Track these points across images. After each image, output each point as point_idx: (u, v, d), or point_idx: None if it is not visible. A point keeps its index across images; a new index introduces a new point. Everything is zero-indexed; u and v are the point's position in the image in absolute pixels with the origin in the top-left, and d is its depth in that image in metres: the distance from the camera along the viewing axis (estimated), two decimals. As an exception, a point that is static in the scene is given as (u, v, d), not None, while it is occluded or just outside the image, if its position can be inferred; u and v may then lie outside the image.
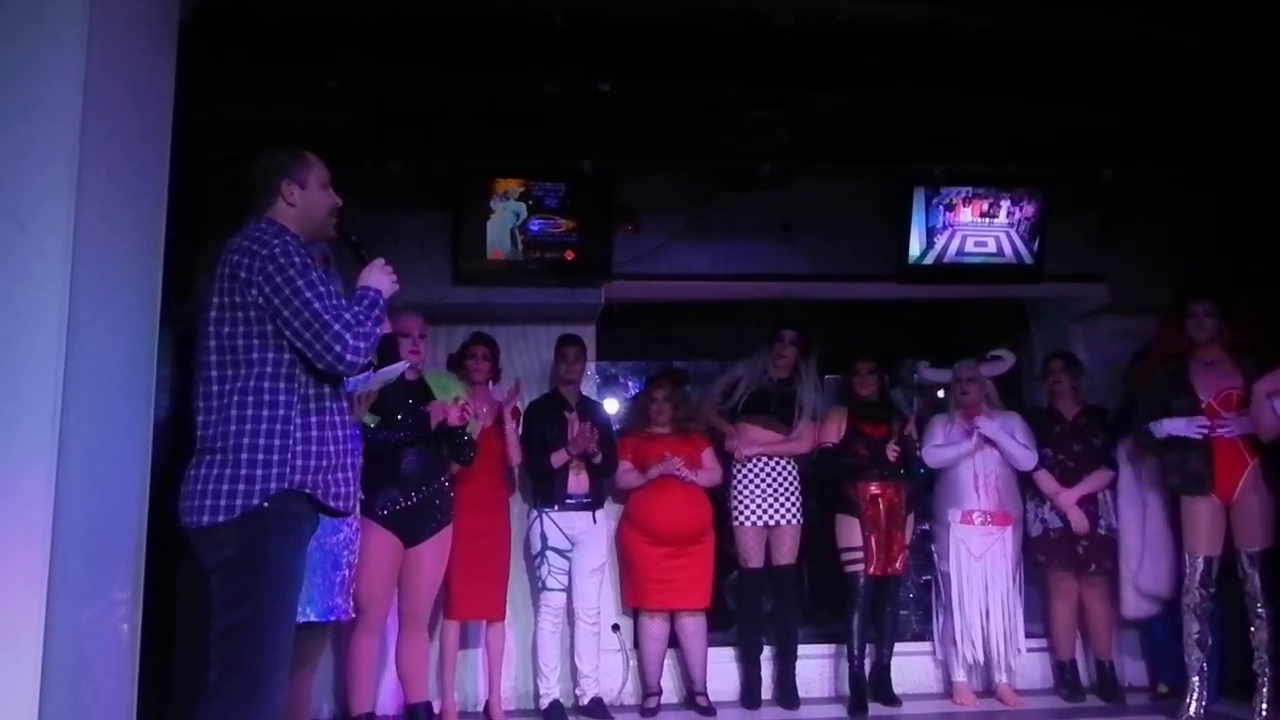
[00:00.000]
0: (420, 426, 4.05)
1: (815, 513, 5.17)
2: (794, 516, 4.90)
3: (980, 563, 4.85)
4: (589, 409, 4.78)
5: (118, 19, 2.47)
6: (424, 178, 4.82)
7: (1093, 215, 5.38)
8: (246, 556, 2.44)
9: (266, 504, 2.45)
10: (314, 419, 2.55)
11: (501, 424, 4.54)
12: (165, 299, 2.77)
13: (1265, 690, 4.25)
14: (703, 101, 4.48)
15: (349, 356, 2.52)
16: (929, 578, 5.28)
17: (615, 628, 4.99)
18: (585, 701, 4.66)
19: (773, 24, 3.80)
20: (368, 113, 4.52)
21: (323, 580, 3.43)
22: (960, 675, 4.93)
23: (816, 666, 5.06)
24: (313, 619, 3.39)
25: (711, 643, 4.89)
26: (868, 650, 4.84)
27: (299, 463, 2.50)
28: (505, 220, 4.87)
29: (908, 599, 5.45)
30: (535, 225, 4.89)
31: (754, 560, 4.90)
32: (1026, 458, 4.92)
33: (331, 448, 2.58)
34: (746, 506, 4.88)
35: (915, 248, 5.15)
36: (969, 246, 5.20)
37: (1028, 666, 5.05)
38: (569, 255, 4.93)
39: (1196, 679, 4.38)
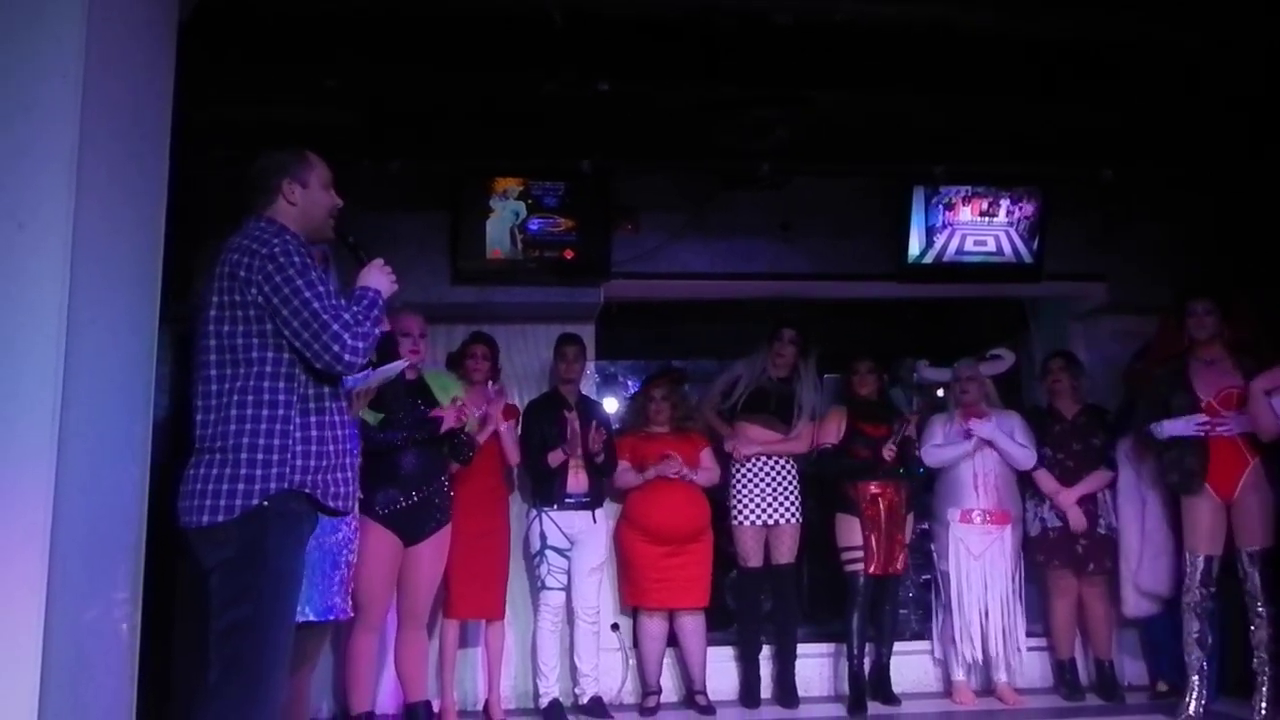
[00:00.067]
0: (422, 428, 4.05)
1: (815, 512, 5.18)
2: (793, 516, 4.90)
3: (979, 562, 4.85)
4: (588, 408, 4.78)
5: (117, 19, 2.47)
6: (423, 177, 4.82)
7: (1093, 215, 5.37)
8: (246, 556, 2.44)
9: (266, 503, 2.45)
10: (313, 419, 2.55)
11: (496, 423, 4.53)
12: (165, 298, 2.77)
13: (1265, 689, 4.25)
14: (702, 101, 4.47)
15: (347, 356, 2.52)
16: (928, 577, 5.28)
17: (615, 627, 4.99)
18: (585, 701, 4.66)
19: (772, 23, 3.80)
20: (367, 112, 4.51)
21: (321, 579, 3.43)
22: (959, 674, 4.94)
23: (816, 665, 5.07)
24: (311, 618, 3.39)
25: (711, 642, 4.89)
26: (867, 649, 4.85)
27: (298, 463, 2.50)
28: (504, 219, 4.87)
29: (907, 598, 5.45)
30: (534, 224, 4.89)
31: (753, 559, 4.91)
32: (1025, 457, 4.92)
33: (331, 447, 2.58)
34: (745, 506, 4.88)
35: (915, 247, 5.15)
36: (968, 245, 5.20)
37: (1027, 665, 5.05)
38: (568, 254, 4.93)
39: (1196, 678, 4.38)
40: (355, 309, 2.60)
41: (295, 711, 3.38)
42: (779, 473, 4.92)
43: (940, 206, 5.16)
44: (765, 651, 4.93)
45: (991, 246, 5.22)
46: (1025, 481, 5.00)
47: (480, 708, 4.74)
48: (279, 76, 4.09)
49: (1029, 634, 5.00)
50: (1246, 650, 4.34)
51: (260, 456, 2.47)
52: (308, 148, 2.75)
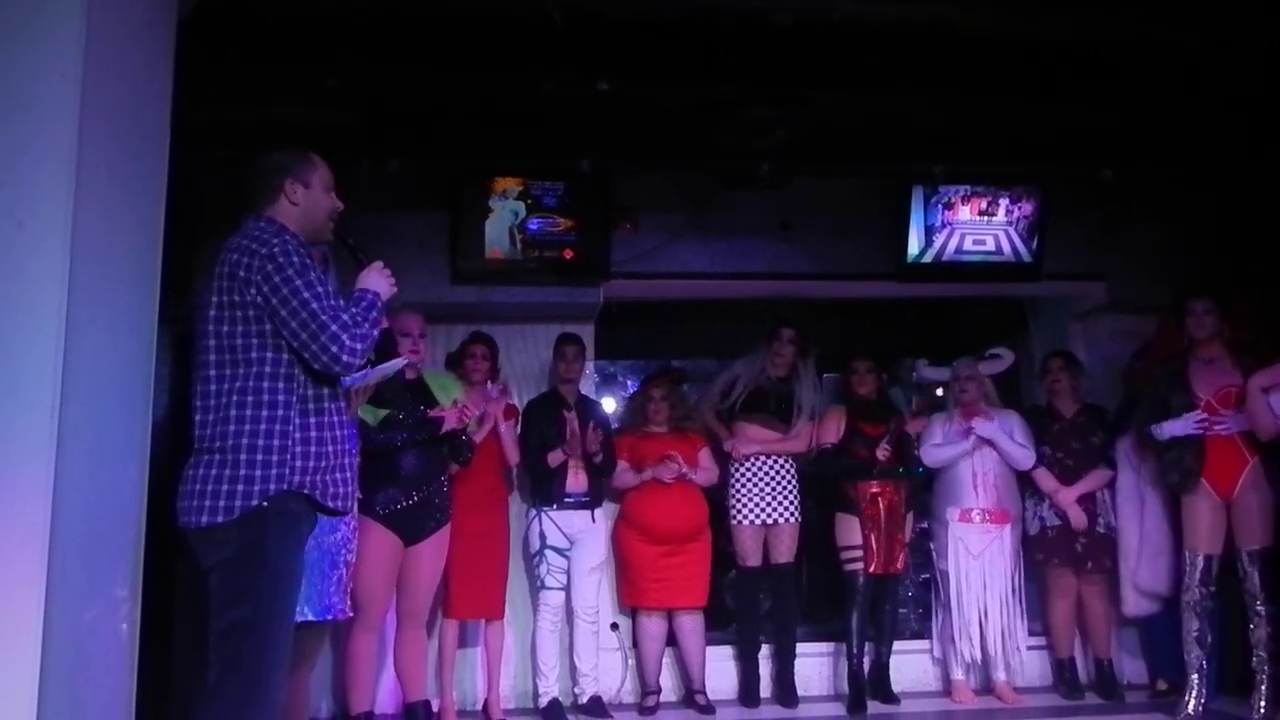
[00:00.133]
0: (422, 429, 4.05)
1: (814, 511, 5.18)
2: (792, 515, 4.90)
3: (979, 561, 4.85)
4: (588, 408, 4.77)
5: (116, 18, 2.46)
6: (422, 177, 4.82)
7: (1092, 215, 5.37)
8: (245, 556, 2.44)
9: (265, 504, 2.45)
10: (313, 419, 2.55)
11: (496, 424, 4.53)
12: (164, 298, 2.77)
13: (1264, 688, 4.26)
14: (701, 101, 4.47)
15: (345, 357, 2.52)
16: (928, 576, 5.29)
17: (614, 626, 4.99)
18: (584, 700, 4.66)
19: (771, 23, 3.80)
20: (366, 112, 4.51)
21: (320, 579, 3.43)
22: (959, 673, 4.93)
23: (815, 665, 5.07)
24: (310, 618, 3.39)
25: (710, 641, 4.89)
26: (867, 648, 4.85)
27: (298, 463, 2.50)
28: (504, 219, 4.87)
29: (906, 597, 5.46)
30: (534, 224, 4.89)
31: (752, 559, 4.91)
32: (1025, 457, 4.92)
33: (330, 448, 2.58)
34: (745, 505, 4.88)
35: (914, 246, 5.15)
36: (968, 245, 5.20)
37: (1027, 664, 5.05)
38: (568, 254, 4.93)
39: (1195, 676, 4.39)
40: (354, 310, 2.60)
41: (295, 711, 3.38)
42: (778, 472, 4.92)
43: (939, 206, 5.16)
44: (764, 651, 4.93)
45: (991, 246, 5.22)
46: (1024, 481, 5.01)
47: (480, 707, 4.74)
48: (278, 76, 4.09)
49: (1028, 633, 5.01)
50: (1246, 649, 4.34)
51: (260, 457, 2.47)
52: (307, 148, 2.75)
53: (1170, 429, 4.44)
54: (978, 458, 4.91)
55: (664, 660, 4.86)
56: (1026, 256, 5.26)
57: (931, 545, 5.10)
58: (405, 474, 4.06)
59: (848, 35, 3.95)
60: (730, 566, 5.11)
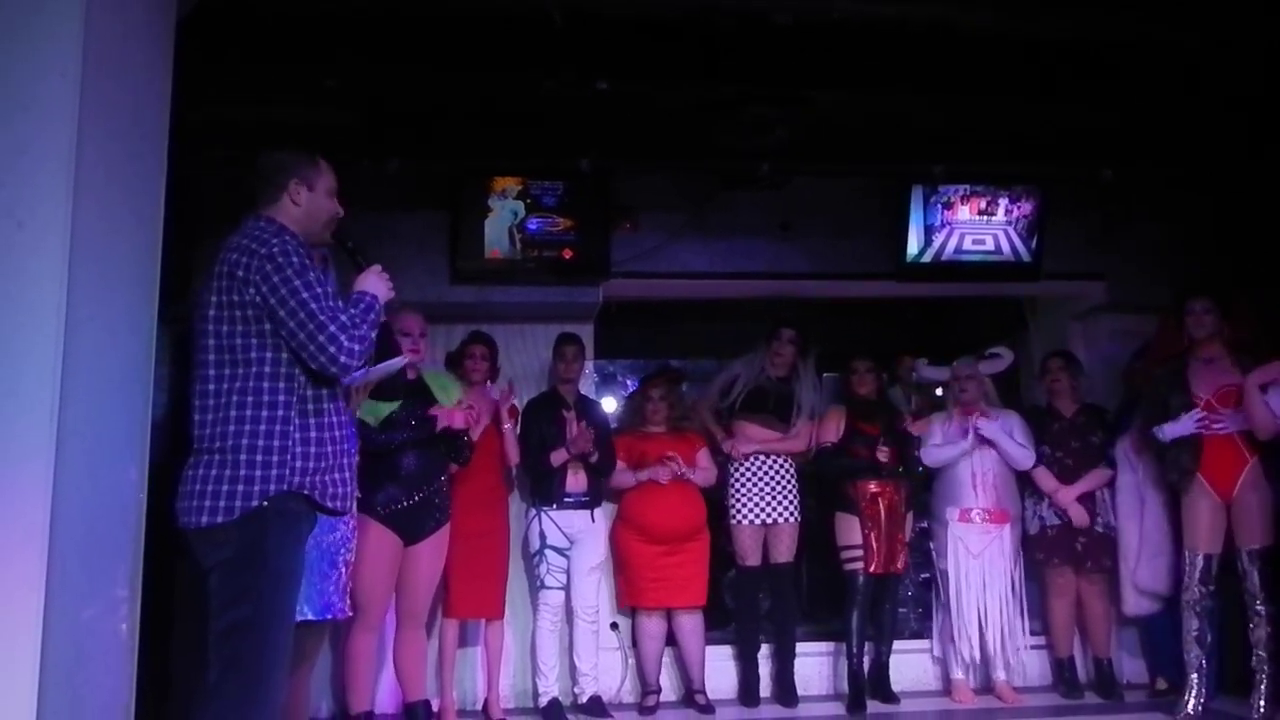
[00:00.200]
0: (422, 428, 4.05)
1: (814, 511, 5.18)
2: (791, 515, 4.90)
3: (978, 561, 4.85)
4: (587, 408, 4.77)
5: (114, 17, 2.46)
6: (422, 177, 4.82)
7: (1092, 214, 5.37)
8: (245, 556, 2.44)
9: (265, 504, 2.46)
10: (312, 419, 2.55)
11: (499, 423, 4.54)
12: (163, 298, 2.77)
13: (1263, 687, 4.26)
14: (701, 101, 4.47)
15: (343, 358, 2.52)
16: (928, 575, 5.29)
17: (614, 626, 4.99)
18: (584, 700, 4.66)
19: (771, 23, 3.80)
20: (366, 112, 4.51)
21: (319, 579, 3.43)
22: (958, 673, 4.94)
23: (815, 664, 5.07)
24: (309, 617, 3.39)
25: (709, 641, 4.89)
26: (866, 648, 4.85)
27: (297, 464, 2.50)
28: (503, 219, 4.87)
29: (906, 597, 5.46)
30: (533, 224, 4.89)
31: (751, 558, 4.91)
32: (1024, 457, 4.92)
33: (330, 448, 2.58)
34: (744, 505, 4.88)
35: (913, 246, 5.15)
36: (967, 244, 5.20)
37: (1026, 664, 5.06)
38: (567, 254, 4.93)
39: (1195, 676, 4.39)
40: (353, 311, 2.60)
41: (294, 710, 3.38)
42: (777, 472, 4.92)
43: (939, 206, 5.16)
44: (764, 650, 4.94)
45: (990, 245, 5.22)
46: (1024, 480, 5.01)
47: (479, 707, 4.74)
48: (278, 76, 4.09)
49: (1028, 632, 5.00)
50: (1245, 648, 4.35)
51: (259, 458, 2.47)
52: (306, 148, 2.75)
53: (1172, 430, 4.44)
54: (977, 458, 4.91)
55: (664, 660, 4.86)
56: (1026, 256, 5.26)
57: (931, 545, 5.10)
58: (405, 473, 4.06)
59: (847, 35, 3.95)
60: (730, 566, 5.11)
